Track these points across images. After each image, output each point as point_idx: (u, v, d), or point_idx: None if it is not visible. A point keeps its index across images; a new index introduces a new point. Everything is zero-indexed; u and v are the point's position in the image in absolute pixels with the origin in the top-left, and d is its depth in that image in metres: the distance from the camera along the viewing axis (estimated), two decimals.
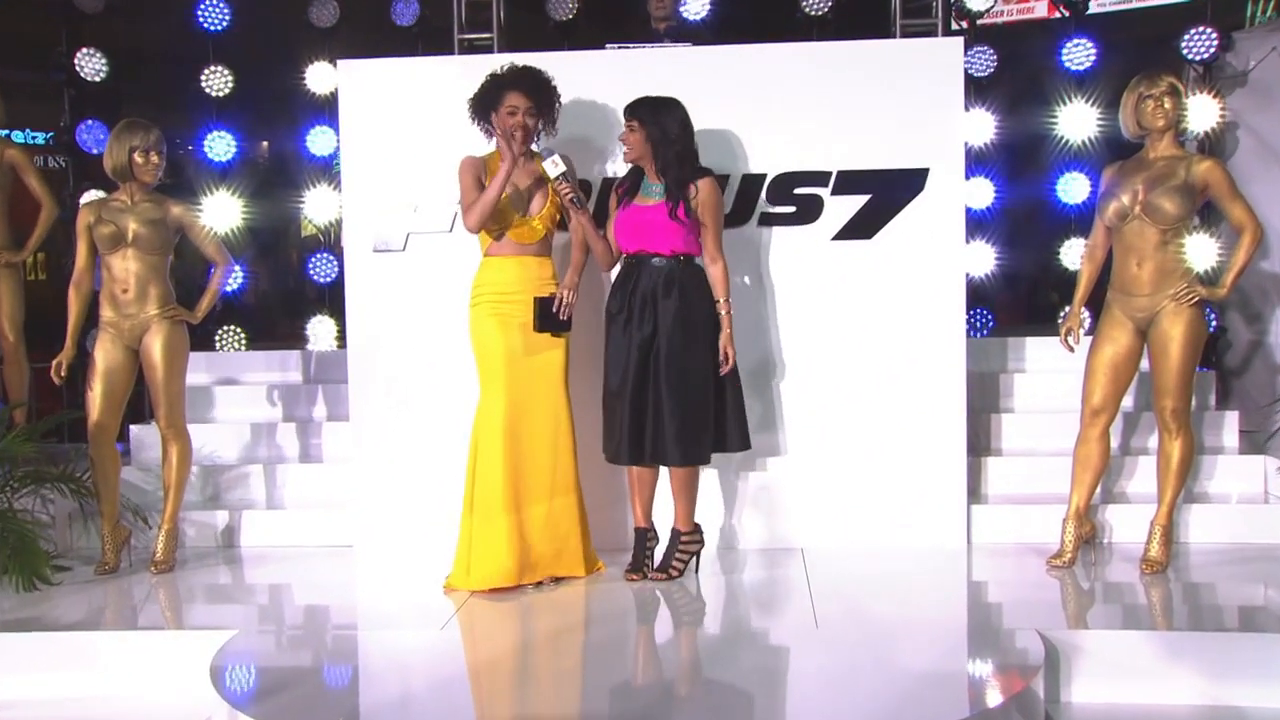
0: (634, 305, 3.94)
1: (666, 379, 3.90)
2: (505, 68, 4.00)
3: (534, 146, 4.05)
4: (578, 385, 4.10)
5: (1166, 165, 3.91)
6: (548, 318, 3.97)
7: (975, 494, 4.62)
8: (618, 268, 4.09)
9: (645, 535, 4.09)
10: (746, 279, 4.44)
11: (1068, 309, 4.24)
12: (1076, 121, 5.62)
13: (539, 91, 3.99)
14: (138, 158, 4.24)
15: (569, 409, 4.05)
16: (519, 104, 3.95)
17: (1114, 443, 4.33)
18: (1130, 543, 4.31)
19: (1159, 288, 3.90)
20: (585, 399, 4.14)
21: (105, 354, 4.28)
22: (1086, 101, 5.59)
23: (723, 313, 3.96)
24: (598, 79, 4.40)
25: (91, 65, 5.89)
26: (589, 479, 4.17)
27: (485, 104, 4.00)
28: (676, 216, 3.91)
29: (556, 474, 4.01)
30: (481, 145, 4.10)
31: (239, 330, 5.76)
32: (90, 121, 5.87)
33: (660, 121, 3.91)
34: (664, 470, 4.12)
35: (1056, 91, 5.69)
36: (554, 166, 3.93)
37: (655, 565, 4.08)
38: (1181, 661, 3.31)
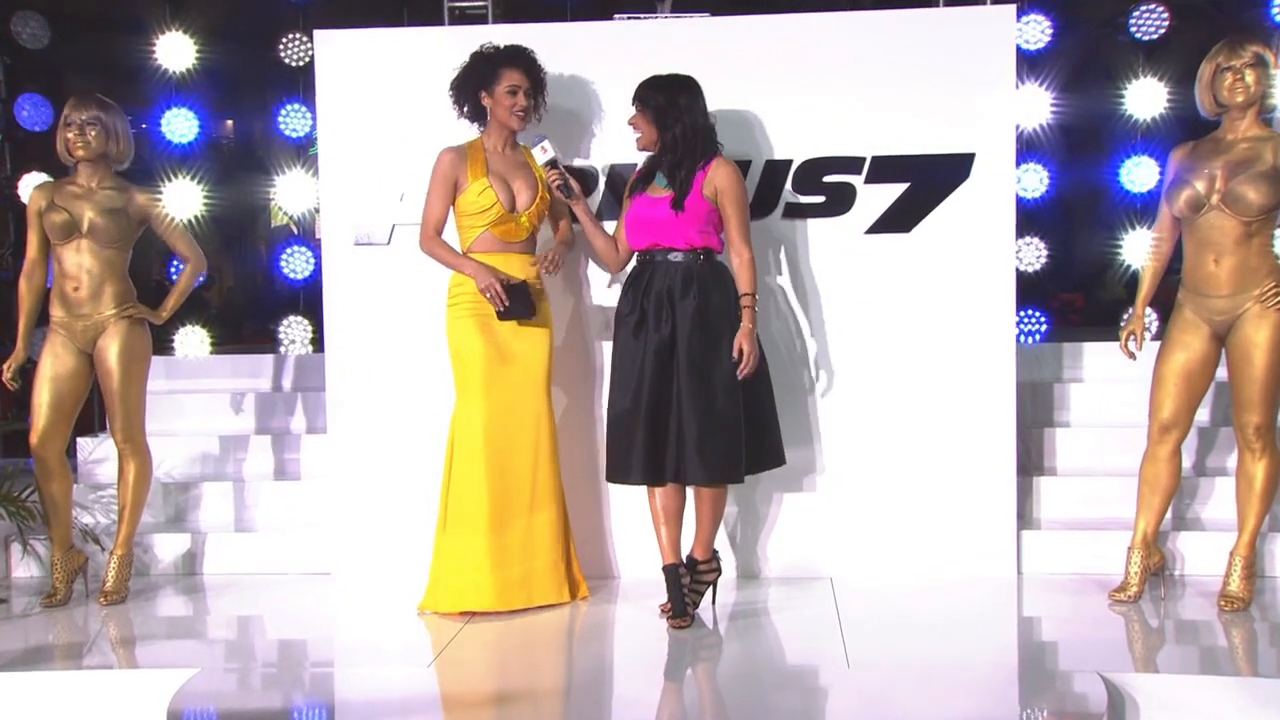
0: (647, 306, 3.92)
1: (688, 387, 3.86)
2: (495, 45, 4.07)
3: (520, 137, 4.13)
4: (564, 396, 4.10)
5: (1250, 148, 3.85)
6: (518, 303, 3.97)
7: (1026, 518, 4.60)
8: (630, 266, 4.07)
9: (678, 573, 3.97)
10: (770, 277, 4.42)
11: (1130, 310, 4.21)
12: (1145, 99, 5.59)
13: (535, 71, 4.07)
14: (69, 133, 4.21)
15: (552, 418, 4.11)
16: (520, 82, 4.01)
17: (1186, 461, 4.29)
18: (1206, 576, 4.28)
19: (1240, 288, 3.85)
20: (572, 410, 4.15)
21: (55, 358, 4.25)
22: (1156, 76, 5.56)
23: (744, 307, 3.90)
24: (605, 53, 4.40)
25: (30, 30, 5.87)
26: (572, 500, 4.22)
27: (477, 82, 4.04)
28: (681, 206, 3.87)
29: (537, 486, 4.06)
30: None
31: (203, 331, 5.77)
32: (29, 96, 5.85)
33: (671, 100, 3.88)
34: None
35: (1122, 64, 5.66)
36: (542, 153, 4.00)
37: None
38: (1267, 712, 3.25)
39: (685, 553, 4.04)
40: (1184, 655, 3.77)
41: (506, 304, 3.96)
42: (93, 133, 4.22)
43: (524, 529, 4.05)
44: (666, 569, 3.95)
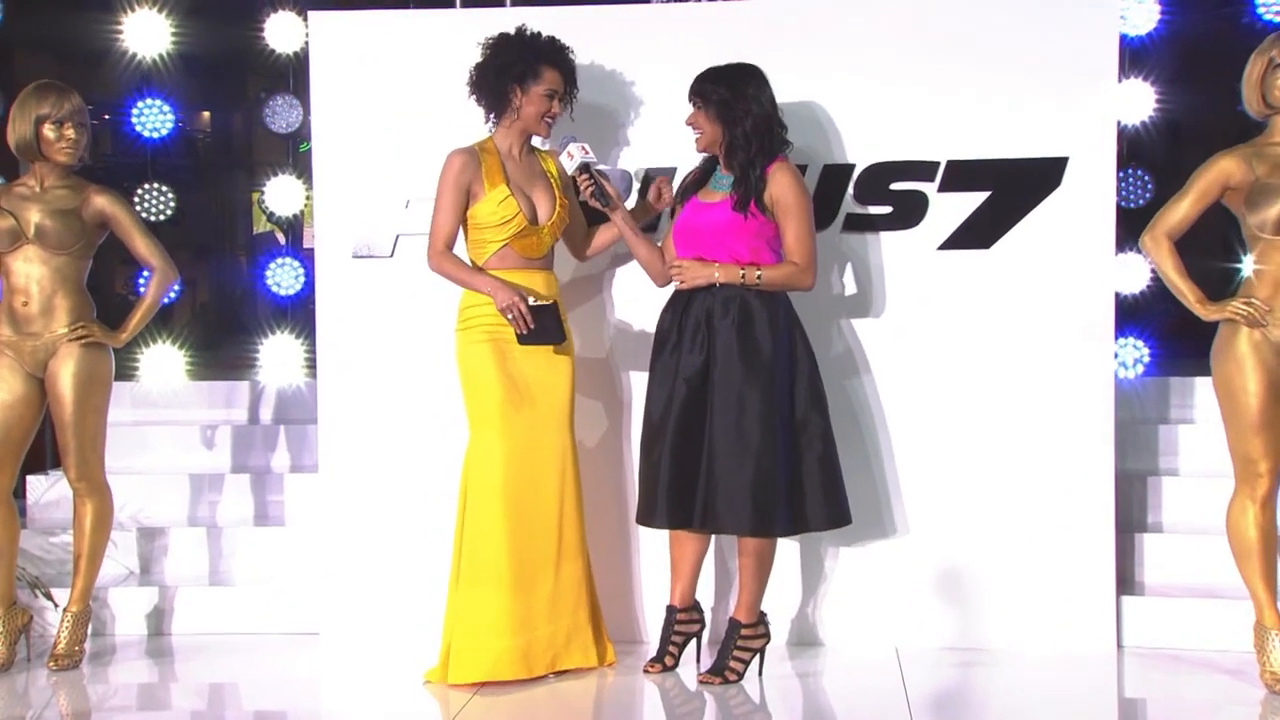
0: (685, 327, 4.04)
1: (720, 421, 3.96)
2: (536, 32, 4.12)
3: (535, 140, 4.22)
4: (586, 432, 4.16)
5: None
6: (546, 326, 4.03)
7: (1127, 582, 4.62)
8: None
9: (675, 616, 4.16)
10: (827, 298, 4.48)
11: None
12: None
13: (573, 76, 4.15)
14: (48, 131, 4.27)
15: (576, 455, 4.17)
16: (559, 87, 4.11)
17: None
18: None
19: None
20: (594, 449, 4.21)
21: (2, 383, 4.30)
22: None
23: (757, 275, 3.97)
24: (639, 40, 4.48)
25: None
26: (596, 552, 4.29)
27: (514, 74, 4.07)
28: (745, 210, 3.97)
29: (564, 536, 4.11)
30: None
31: (175, 354, 5.84)
32: None
33: (737, 92, 3.98)
34: (714, 539, 4.23)
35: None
36: (569, 160, 4.07)
37: (709, 666, 4.12)
38: None
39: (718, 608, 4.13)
40: None
41: (532, 326, 4.01)
42: (73, 130, 4.27)
43: (550, 585, 4.08)
44: (669, 610, 4.18)
